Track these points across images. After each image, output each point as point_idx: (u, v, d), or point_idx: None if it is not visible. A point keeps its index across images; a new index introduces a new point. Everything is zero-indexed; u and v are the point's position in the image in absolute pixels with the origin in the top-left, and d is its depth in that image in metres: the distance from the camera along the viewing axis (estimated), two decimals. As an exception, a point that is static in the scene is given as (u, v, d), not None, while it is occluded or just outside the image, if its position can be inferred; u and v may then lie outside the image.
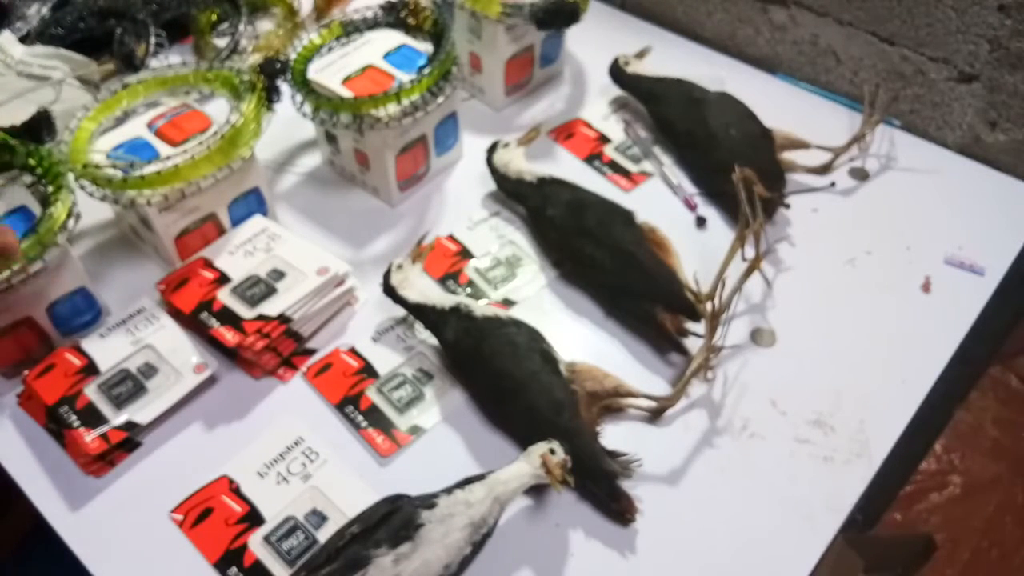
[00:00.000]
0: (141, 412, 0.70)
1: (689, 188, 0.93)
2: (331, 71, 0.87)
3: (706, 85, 0.95)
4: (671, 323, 0.75)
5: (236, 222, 0.85)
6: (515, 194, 0.89)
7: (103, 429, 0.69)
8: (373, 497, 0.61)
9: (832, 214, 0.90)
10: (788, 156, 0.90)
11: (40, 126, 0.86)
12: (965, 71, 0.93)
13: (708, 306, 0.72)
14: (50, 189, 0.73)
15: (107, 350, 0.74)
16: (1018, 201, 0.91)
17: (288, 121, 0.88)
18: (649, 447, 0.69)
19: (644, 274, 0.76)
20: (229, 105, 0.82)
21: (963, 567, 1.27)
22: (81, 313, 0.78)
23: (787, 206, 0.88)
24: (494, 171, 0.90)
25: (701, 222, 0.89)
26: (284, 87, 0.84)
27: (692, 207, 0.91)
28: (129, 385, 0.72)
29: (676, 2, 1.16)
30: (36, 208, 0.74)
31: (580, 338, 0.79)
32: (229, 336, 0.73)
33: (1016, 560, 1.29)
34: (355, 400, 0.74)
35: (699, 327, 0.75)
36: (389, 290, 0.77)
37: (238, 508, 0.66)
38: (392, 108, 0.81)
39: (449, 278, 0.84)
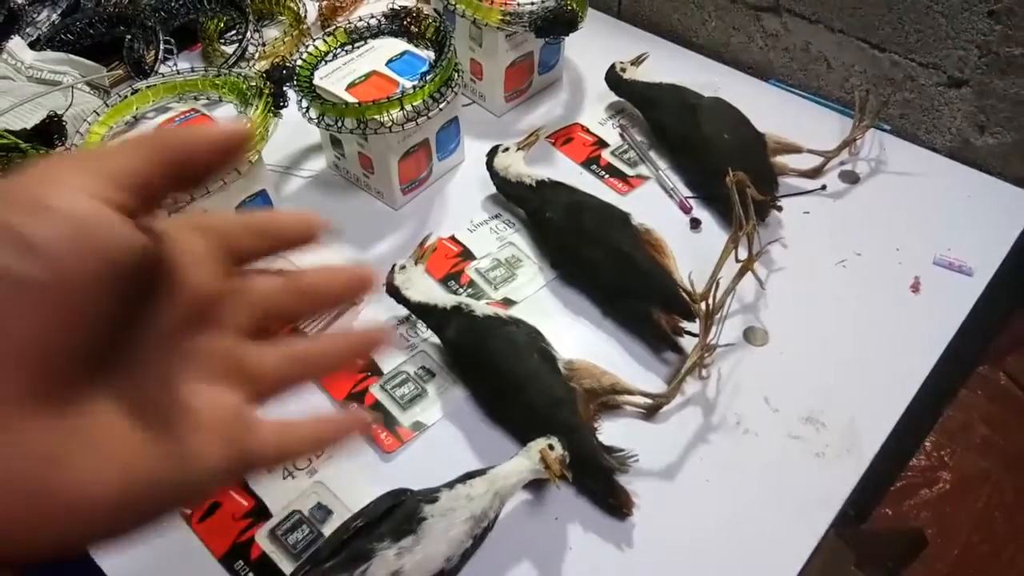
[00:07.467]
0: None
1: (684, 191, 0.94)
2: (336, 77, 0.88)
3: (701, 91, 0.96)
4: (667, 322, 0.76)
5: (243, 224, 0.86)
6: (515, 197, 0.90)
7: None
8: (377, 492, 0.62)
9: (823, 216, 0.90)
10: (780, 160, 0.91)
11: (51, 130, 0.86)
12: (955, 76, 0.94)
13: (702, 306, 0.72)
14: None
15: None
16: (1006, 203, 0.91)
17: (294, 126, 0.89)
18: (645, 443, 0.70)
19: (640, 274, 0.77)
20: (237, 110, 0.84)
21: (953, 561, 1.28)
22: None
23: (779, 208, 0.89)
24: (494, 175, 0.90)
25: (696, 224, 0.90)
26: (290, 93, 0.85)
27: (687, 210, 0.92)
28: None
29: (671, 10, 1.17)
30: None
31: (578, 337, 0.80)
32: (236, 335, 0.74)
33: (1005, 555, 1.30)
34: (359, 397, 0.75)
35: (694, 326, 0.75)
36: (392, 290, 0.77)
37: (245, 503, 0.68)
38: (395, 113, 0.82)
39: (451, 278, 0.85)
